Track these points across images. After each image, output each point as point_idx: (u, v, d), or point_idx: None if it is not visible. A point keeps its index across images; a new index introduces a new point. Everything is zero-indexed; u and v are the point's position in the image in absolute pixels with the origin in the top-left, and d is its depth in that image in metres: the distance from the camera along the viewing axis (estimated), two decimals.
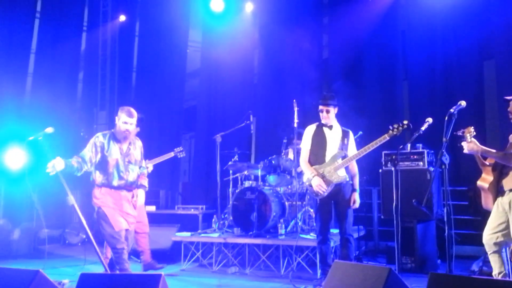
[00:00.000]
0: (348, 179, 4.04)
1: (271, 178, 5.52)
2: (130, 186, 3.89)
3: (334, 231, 5.15)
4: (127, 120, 3.81)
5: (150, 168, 4.84)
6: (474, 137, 3.40)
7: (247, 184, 5.45)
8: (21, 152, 6.54)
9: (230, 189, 5.57)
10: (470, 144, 3.36)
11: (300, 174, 5.51)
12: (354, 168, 4.14)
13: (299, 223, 5.26)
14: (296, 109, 5.35)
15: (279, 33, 7.01)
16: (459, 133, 3.43)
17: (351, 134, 4.20)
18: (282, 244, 4.82)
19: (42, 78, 7.67)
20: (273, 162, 5.52)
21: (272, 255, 4.93)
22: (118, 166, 3.82)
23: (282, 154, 5.66)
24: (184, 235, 5.20)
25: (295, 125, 5.33)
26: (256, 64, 7.57)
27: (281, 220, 5.14)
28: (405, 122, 3.79)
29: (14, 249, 6.09)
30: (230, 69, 7.20)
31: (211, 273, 4.80)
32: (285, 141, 5.78)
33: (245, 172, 5.64)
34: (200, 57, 8.02)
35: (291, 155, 5.76)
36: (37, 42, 7.90)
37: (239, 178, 5.67)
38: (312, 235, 4.97)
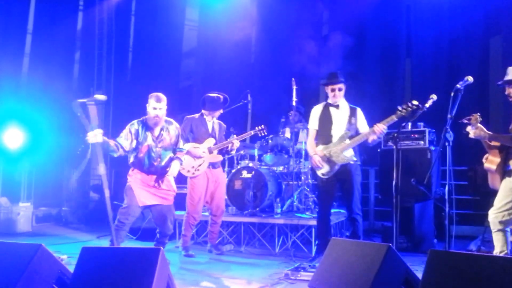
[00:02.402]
0: (355, 159, 4.02)
1: (268, 158, 5.51)
2: (163, 170, 4.01)
3: (334, 210, 5.21)
4: (155, 105, 3.89)
5: (237, 144, 4.63)
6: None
7: (243, 163, 5.45)
8: (19, 131, 6.58)
9: (226, 169, 5.56)
10: (477, 130, 3.38)
11: (296, 153, 5.50)
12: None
13: (295, 203, 5.27)
14: (294, 87, 5.31)
15: (277, 10, 6.84)
16: (465, 121, 3.42)
17: (359, 111, 4.10)
18: (277, 223, 4.84)
19: (38, 59, 7.62)
20: (270, 141, 5.50)
21: (267, 233, 4.95)
22: (149, 152, 3.93)
23: (279, 133, 5.64)
24: (179, 214, 5.22)
25: (294, 103, 5.29)
26: (254, 42, 7.46)
27: (277, 200, 5.15)
28: (415, 102, 3.66)
29: (13, 226, 6.15)
30: (227, 47, 7.08)
31: (206, 250, 4.85)
32: (282, 120, 5.74)
33: (242, 152, 5.63)
34: (197, 36, 7.91)
35: (288, 134, 5.73)
36: (34, 22, 7.81)
37: (235, 157, 5.66)
38: (308, 214, 5.00)
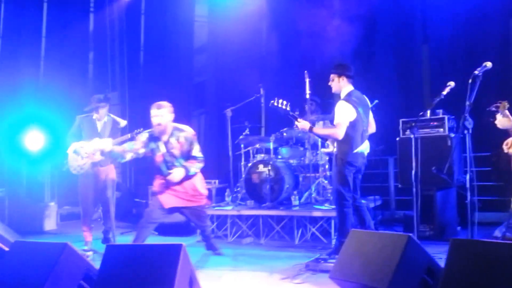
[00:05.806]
0: (336, 152, 3.95)
1: (284, 151, 5.51)
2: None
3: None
4: (156, 113, 3.92)
5: (107, 148, 4.29)
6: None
7: (259, 157, 5.46)
8: (40, 134, 6.74)
9: (242, 163, 5.58)
10: (503, 119, 3.35)
11: (312, 145, 5.49)
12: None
13: (313, 195, 5.27)
14: (307, 80, 5.27)
15: (287, 1, 6.80)
16: (493, 109, 3.39)
17: (338, 103, 3.95)
18: (295, 215, 4.85)
19: (53, 62, 7.76)
20: (285, 134, 5.49)
21: (286, 226, 4.97)
22: (165, 161, 4.01)
23: (294, 126, 5.61)
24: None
25: (307, 96, 5.26)
26: (265, 35, 7.41)
27: (295, 192, 5.15)
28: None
29: (38, 225, 6.35)
30: (238, 42, 7.02)
31: (226, 244, 4.90)
32: (297, 113, 5.71)
33: (257, 146, 5.63)
34: (207, 31, 7.90)
35: None
36: (46, 26, 7.95)
37: (250, 151, 5.67)
38: (327, 206, 4.99)
